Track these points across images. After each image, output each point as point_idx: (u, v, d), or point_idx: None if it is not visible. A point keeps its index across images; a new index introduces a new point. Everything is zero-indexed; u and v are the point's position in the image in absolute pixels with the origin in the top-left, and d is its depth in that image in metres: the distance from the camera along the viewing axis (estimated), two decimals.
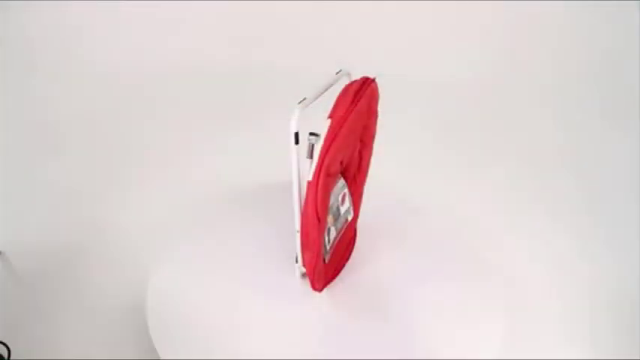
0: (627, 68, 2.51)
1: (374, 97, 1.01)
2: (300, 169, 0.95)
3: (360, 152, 1.07)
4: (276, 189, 1.20)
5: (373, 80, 0.99)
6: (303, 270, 1.07)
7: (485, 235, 1.56)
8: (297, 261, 1.07)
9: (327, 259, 1.05)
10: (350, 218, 1.13)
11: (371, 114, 1.03)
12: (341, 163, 1.00)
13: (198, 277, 1.14)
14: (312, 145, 0.91)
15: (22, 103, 2.36)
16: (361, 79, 0.98)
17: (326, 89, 0.96)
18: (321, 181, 0.89)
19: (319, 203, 0.91)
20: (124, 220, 1.69)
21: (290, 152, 0.93)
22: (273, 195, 1.28)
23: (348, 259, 1.17)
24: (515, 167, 2.01)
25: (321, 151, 0.88)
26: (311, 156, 0.91)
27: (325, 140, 0.88)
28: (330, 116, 0.90)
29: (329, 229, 1.02)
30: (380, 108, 1.04)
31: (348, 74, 1.02)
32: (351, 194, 1.10)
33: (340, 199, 1.05)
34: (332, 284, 1.11)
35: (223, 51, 2.64)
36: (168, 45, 2.65)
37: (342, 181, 1.05)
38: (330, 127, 0.89)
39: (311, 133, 0.91)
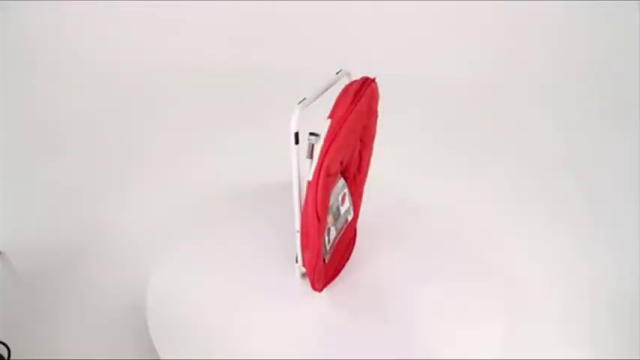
0: (627, 68, 2.50)
1: (374, 97, 1.01)
2: (300, 169, 0.95)
3: (360, 152, 1.07)
4: (276, 189, 1.20)
5: (373, 80, 0.99)
6: (303, 270, 1.07)
7: (486, 235, 1.56)
8: (297, 261, 1.07)
9: (327, 259, 1.05)
10: (350, 218, 1.13)
11: (371, 114, 1.03)
12: (341, 163, 1.00)
13: (198, 277, 1.14)
14: (312, 145, 0.91)
15: (22, 103, 2.36)
16: (361, 79, 0.98)
17: (326, 89, 0.96)
18: (321, 181, 0.89)
19: (319, 203, 0.91)
20: (124, 220, 1.69)
21: (290, 152, 0.93)
22: (273, 195, 1.28)
23: (348, 259, 1.17)
24: (515, 167, 2.00)
25: (321, 151, 0.88)
26: (311, 156, 0.91)
27: (325, 140, 0.88)
28: (330, 116, 0.90)
29: (329, 229, 1.02)
30: (380, 108, 1.04)
31: (348, 74, 1.02)
32: (351, 194, 1.10)
33: (340, 199, 1.05)
34: (332, 284, 1.11)
35: (223, 51, 2.64)
36: (168, 45, 2.65)
37: (342, 181, 1.05)
38: (330, 127, 0.89)
39: (311, 133, 0.91)
